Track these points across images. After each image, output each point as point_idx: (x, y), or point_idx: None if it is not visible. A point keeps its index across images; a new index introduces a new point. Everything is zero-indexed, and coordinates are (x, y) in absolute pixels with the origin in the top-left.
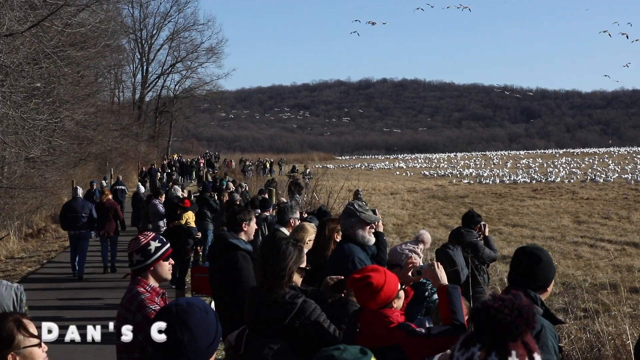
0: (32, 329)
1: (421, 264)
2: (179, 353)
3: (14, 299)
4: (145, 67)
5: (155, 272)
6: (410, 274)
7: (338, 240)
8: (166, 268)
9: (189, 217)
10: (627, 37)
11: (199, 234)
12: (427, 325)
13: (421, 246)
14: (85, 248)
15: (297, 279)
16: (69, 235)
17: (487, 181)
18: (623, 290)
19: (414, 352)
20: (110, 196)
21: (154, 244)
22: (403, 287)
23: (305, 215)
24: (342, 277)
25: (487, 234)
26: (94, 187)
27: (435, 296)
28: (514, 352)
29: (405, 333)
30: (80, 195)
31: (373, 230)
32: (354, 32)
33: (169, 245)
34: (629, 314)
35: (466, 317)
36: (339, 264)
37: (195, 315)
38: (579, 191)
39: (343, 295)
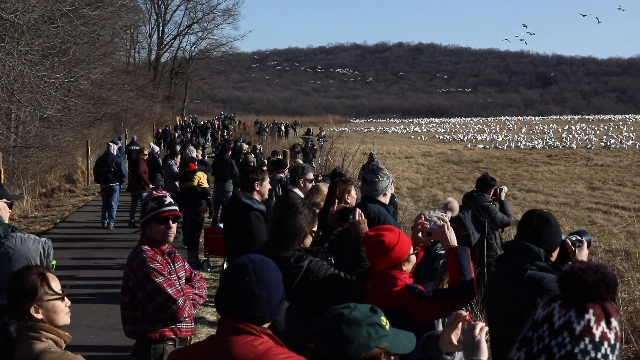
0: (56, 283)
1: (432, 225)
2: (256, 309)
3: (42, 253)
4: (161, 28)
5: (152, 230)
6: (420, 234)
7: (349, 201)
8: (160, 229)
9: (201, 178)
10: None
11: (211, 195)
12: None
13: (449, 214)
14: (112, 200)
15: (307, 241)
16: (100, 188)
17: (502, 146)
18: (637, 257)
19: (420, 314)
20: (147, 156)
21: (169, 199)
22: (415, 251)
23: (320, 178)
24: (347, 205)
25: (503, 198)
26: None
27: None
28: (591, 311)
29: (413, 295)
30: (113, 152)
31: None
32: None
33: (168, 209)
34: None
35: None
36: (369, 225)
37: (270, 272)
38: (594, 157)
39: (348, 224)
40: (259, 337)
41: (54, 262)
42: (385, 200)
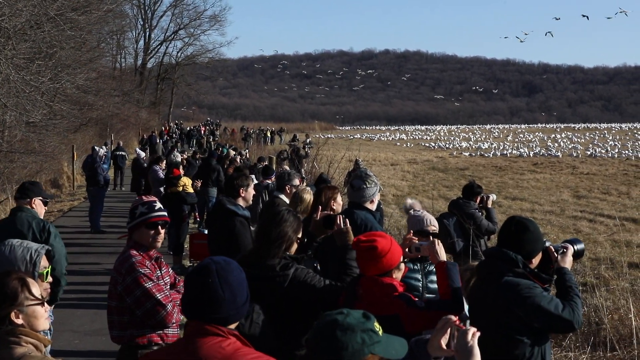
0: (36, 288)
1: (421, 242)
2: (221, 310)
3: (27, 261)
4: (147, 34)
5: (140, 235)
6: (408, 250)
7: (335, 207)
8: (148, 235)
9: (186, 184)
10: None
11: (196, 201)
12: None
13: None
14: (97, 204)
15: (292, 249)
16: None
17: (488, 154)
18: (622, 266)
19: (412, 323)
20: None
21: (159, 205)
22: (404, 260)
23: (302, 185)
24: (331, 213)
25: (489, 205)
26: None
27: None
28: None
29: (405, 303)
30: (101, 154)
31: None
32: None
33: (158, 214)
34: (627, 289)
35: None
36: (355, 232)
37: (233, 273)
38: (579, 166)
39: (332, 232)
40: (226, 338)
41: (47, 270)
42: (373, 207)
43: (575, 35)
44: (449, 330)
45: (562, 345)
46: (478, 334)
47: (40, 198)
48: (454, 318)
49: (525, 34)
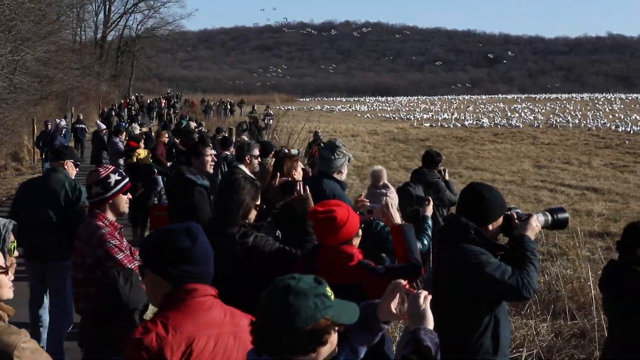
0: (0, 258)
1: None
2: (189, 265)
3: None
4: (107, 6)
5: (114, 205)
6: (360, 213)
7: (296, 177)
8: (124, 201)
9: (141, 155)
10: None
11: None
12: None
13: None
14: None
15: (251, 216)
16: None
17: (448, 125)
18: (581, 235)
19: (374, 290)
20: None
21: (114, 177)
22: (362, 225)
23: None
24: (289, 179)
25: (447, 178)
26: (49, 127)
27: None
28: None
29: (366, 270)
30: (61, 127)
31: None
32: None
33: (127, 179)
34: (586, 258)
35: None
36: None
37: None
38: (540, 136)
39: (292, 197)
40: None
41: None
42: (341, 177)
43: (537, 6)
44: (398, 295)
45: (522, 313)
46: (430, 297)
47: (72, 161)
48: (403, 282)
49: None
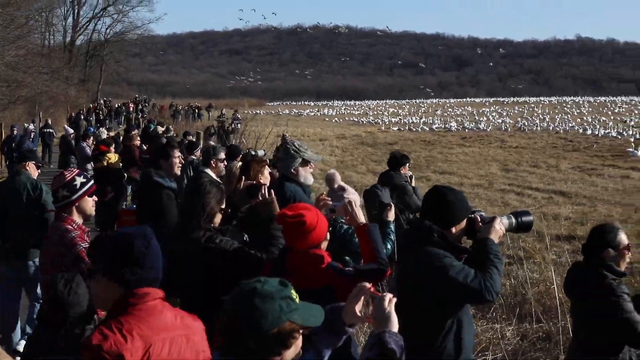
0: None
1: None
2: (143, 269)
3: None
4: (76, 11)
5: (81, 208)
6: (322, 212)
7: (262, 181)
8: (90, 204)
9: (111, 159)
10: None
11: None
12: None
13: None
14: None
15: (217, 220)
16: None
17: (416, 129)
18: (548, 238)
19: (345, 291)
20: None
21: (79, 180)
22: (330, 228)
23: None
24: (254, 182)
25: (413, 184)
26: (14, 132)
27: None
28: None
29: (336, 273)
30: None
31: (312, 170)
32: None
33: (93, 182)
34: (553, 261)
35: None
36: (281, 205)
37: (155, 239)
38: (508, 139)
39: (257, 200)
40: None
41: None
42: (301, 179)
43: (507, 9)
44: (362, 298)
45: (488, 317)
46: (394, 300)
47: (34, 162)
48: (368, 285)
49: None
